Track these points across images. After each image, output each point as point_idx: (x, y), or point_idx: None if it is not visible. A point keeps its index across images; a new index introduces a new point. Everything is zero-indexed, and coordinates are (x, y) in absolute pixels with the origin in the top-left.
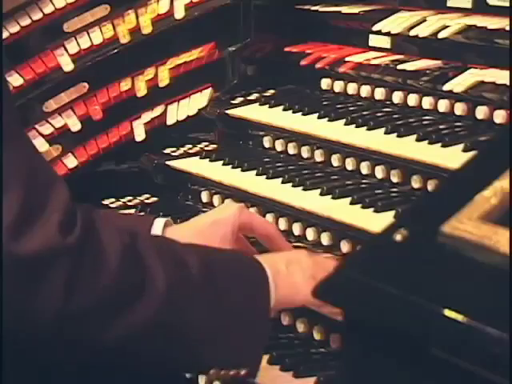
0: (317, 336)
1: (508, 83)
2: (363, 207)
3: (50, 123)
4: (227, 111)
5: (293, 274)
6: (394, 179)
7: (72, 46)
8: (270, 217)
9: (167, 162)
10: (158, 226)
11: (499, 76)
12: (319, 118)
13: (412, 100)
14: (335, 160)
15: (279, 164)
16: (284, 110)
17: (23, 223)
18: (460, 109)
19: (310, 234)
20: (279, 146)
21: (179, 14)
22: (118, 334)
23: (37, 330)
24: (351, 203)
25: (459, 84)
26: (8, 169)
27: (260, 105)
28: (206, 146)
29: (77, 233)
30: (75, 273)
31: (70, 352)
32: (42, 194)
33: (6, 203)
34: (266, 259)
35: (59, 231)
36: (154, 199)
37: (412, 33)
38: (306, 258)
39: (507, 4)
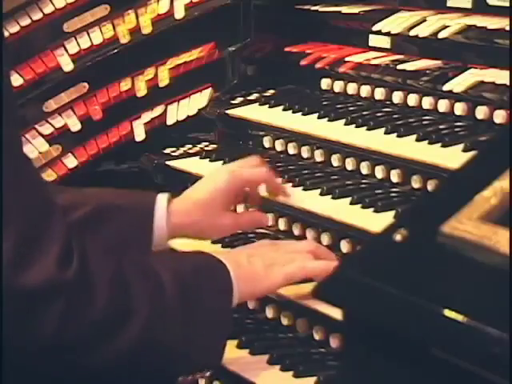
0: (317, 336)
1: (508, 83)
2: (363, 207)
3: (50, 123)
4: (227, 111)
5: (253, 266)
6: (394, 179)
7: (72, 46)
8: (269, 217)
9: (167, 162)
10: (161, 203)
11: (499, 76)
12: (319, 117)
13: (412, 100)
14: (335, 160)
15: (279, 164)
16: (284, 109)
17: (23, 256)
18: (460, 109)
19: (310, 234)
20: (279, 145)
21: (179, 14)
22: (104, 356)
23: (34, 351)
24: (351, 203)
25: (459, 84)
26: (8, 201)
27: (260, 105)
28: (206, 146)
29: (74, 266)
30: (70, 307)
31: (63, 371)
32: (41, 226)
33: (6, 235)
34: (229, 257)
35: (57, 266)
36: None
37: (412, 33)
38: (267, 248)
39: (507, 4)
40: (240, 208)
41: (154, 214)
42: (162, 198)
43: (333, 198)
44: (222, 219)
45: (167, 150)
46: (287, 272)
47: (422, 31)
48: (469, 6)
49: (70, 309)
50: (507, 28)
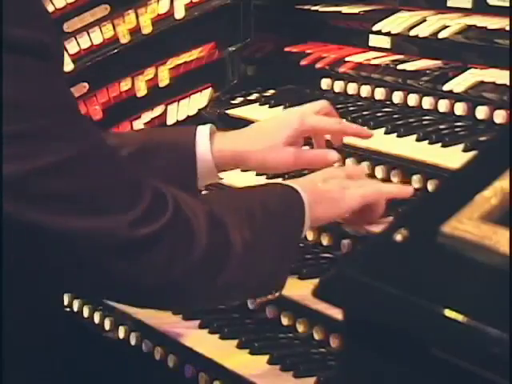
0: (317, 336)
1: (508, 83)
2: None
3: None
4: (227, 111)
5: (329, 188)
6: (394, 179)
7: (72, 46)
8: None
9: None
10: (202, 135)
11: (499, 76)
12: None
13: (412, 100)
14: None
15: None
16: (284, 109)
17: (129, 205)
18: (460, 109)
19: (310, 233)
20: None
21: (179, 14)
22: (209, 292)
23: (139, 294)
24: None
25: (459, 84)
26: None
27: (260, 105)
28: None
29: (170, 209)
30: (175, 249)
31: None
32: (136, 179)
33: (118, 189)
34: (305, 181)
35: (153, 212)
36: None
37: (412, 33)
38: (339, 172)
39: (507, 4)
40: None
41: (195, 144)
42: (202, 130)
43: None
44: (282, 152)
45: None
46: (363, 193)
47: (422, 31)
48: (469, 5)
49: (175, 250)
50: (507, 28)
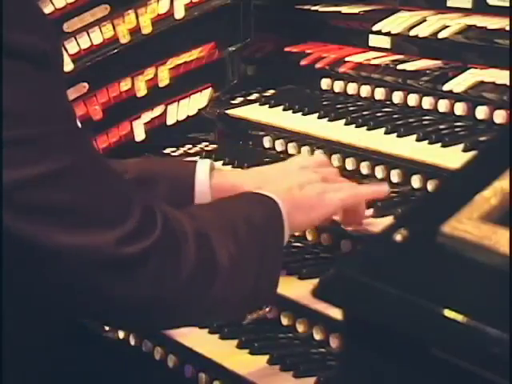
0: (317, 336)
1: (508, 83)
2: None
3: None
4: (227, 111)
5: (307, 194)
6: (394, 179)
7: (72, 46)
8: None
9: None
10: (202, 170)
11: (499, 76)
12: (319, 118)
13: (412, 100)
14: (335, 160)
15: None
16: (284, 110)
17: (118, 224)
18: (460, 109)
19: (310, 234)
20: (279, 145)
21: (179, 14)
22: (202, 305)
23: (126, 315)
24: None
25: (459, 84)
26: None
27: (260, 105)
28: (205, 146)
29: (159, 229)
30: (161, 267)
31: (162, 327)
32: (127, 195)
33: (104, 203)
34: (281, 192)
35: (143, 228)
36: None
37: (412, 33)
38: (315, 176)
39: (507, 4)
40: None
41: (194, 177)
42: (202, 165)
43: None
44: None
45: (167, 150)
46: (341, 198)
47: (422, 31)
48: (469, 5)
49: (164, 268)
50: (507, 28)
